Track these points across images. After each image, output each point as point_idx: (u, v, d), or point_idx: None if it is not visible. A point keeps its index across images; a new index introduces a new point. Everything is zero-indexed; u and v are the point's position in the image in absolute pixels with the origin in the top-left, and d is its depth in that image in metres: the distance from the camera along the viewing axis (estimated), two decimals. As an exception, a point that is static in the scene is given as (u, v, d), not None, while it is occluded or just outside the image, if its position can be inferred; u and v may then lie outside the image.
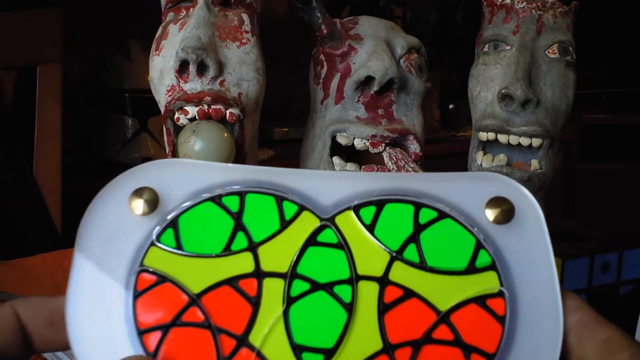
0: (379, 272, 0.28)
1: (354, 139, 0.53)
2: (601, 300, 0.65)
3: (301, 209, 0.29)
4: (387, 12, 1.70)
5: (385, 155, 0.53)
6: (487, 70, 0.56)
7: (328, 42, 0.55)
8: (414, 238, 0.29)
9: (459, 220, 0.29)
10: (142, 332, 0.27)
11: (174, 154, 0.48)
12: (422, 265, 0.28)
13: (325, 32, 0.55)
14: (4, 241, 1.06)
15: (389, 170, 0.52)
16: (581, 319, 0.28)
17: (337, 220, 0.29)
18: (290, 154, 1.44)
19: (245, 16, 0.51)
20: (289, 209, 0.29)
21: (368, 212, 0.29)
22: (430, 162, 0.59)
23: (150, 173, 0.30)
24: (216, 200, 0.29)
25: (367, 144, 0.53)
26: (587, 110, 1.98)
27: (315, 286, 0.28)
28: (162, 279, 0.28)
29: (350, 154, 0.55)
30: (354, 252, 0.28)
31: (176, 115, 0.48)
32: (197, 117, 0.48)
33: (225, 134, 0.47)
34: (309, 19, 0.55)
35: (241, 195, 0.29)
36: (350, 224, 0.29)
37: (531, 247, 0.29)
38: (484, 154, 0.56)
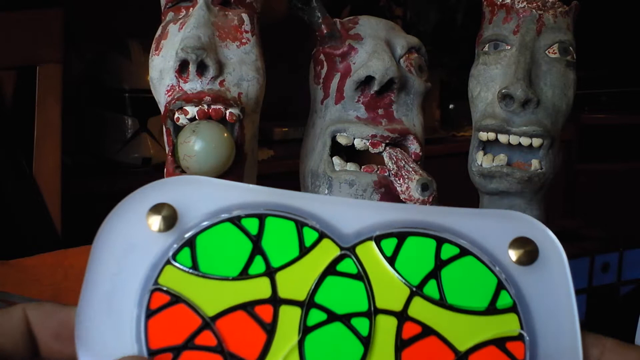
0: (398, 306, 0.28)
1: (354, 139, 0.53)
2: (601, 300, 0.65)
3: (321, 236, 0.28)
4: (387, 12, 1.70)
5: (385, 155, 0.53)
6: (487, 70, 0.56)
7: (328, 42, 0.55)
8: (434, 274, 0.28)
9: (481, 258, 0.28)
10: (152, 353, 0.26)
11: (174, 154, 0.48)
12: (442, 302, 0.28)
13: (325, 32, 0.55)
14: (3, 241, 1.06)
15: (389, 170, 0.52)
16: (607, 348, 0.28)
17: (358, 250, 0.28)
18: (290, 154, 1.45)
19: (245, 16, 0.51)
20: (309, 236, 0.28)
21: (389, 244, 0.28)
22: (430, 162, 0.59)
23: (170, 189, 0.29)
24: (235, 221, 0.28)
25: (367, 144, 0.53)
26: (587, 110, 1.98)
27: (332, 317, 0.27)
28: (176, 299, 0.27)
29: (350, 154, 0.55)
30: (373, 285, 0.28)
31: (176, 115, 0.48)
32: (197, 117, 0.48)
33: (225, 134, 0.47)
34: (309, 19, 0.55)
35: (261, 218, 0.28)
36: (371, 255, 0.28)
37: (553, 291, 0.28)
38: (484, 154, 0.56)
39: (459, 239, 0.29)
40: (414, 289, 0.28)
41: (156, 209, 0.28)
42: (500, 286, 0.28)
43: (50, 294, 0.66)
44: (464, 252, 0.28)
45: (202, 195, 0.29)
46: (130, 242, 0.28)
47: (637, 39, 2.02)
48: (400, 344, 0.27)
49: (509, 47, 0.55)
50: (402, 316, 0.27)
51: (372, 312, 0.27)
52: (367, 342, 0.27)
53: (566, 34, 0.55)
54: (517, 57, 0.54)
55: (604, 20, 1.90)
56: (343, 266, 0.28)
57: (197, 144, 0.46)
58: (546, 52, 0.55)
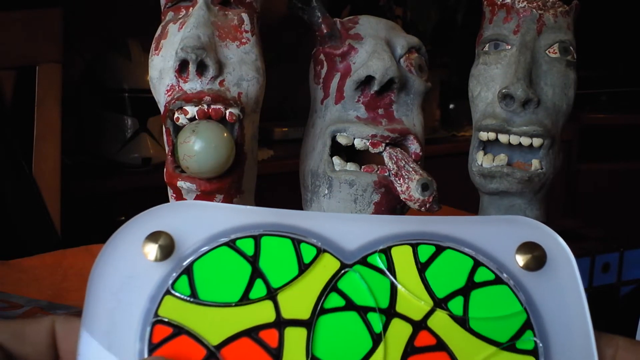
0: (418, 315, 0.27)
1: (354, 138, 0.53)
2: (602, 301, 0.65)
3: (320, 251, 0.28)
4: (388, 12, 1.70)
5: (385, 155, 0.53)
6: (488, 70, 0.56)
7: (328, 42, 0.55)
8: (464, 292, 0.28)
9: (515, 292, 0.28)
10: None
11: (174, 154, 0.48)
12: (463, 322, 0.27)
13: (325, 31, 0.55)
14: (3, 241, 1.06)
15: (389, 170, 0.52)
16: (620, 346, 0.27)
17: (391, 251, 0.28)
18: (290, 154, 1.44)
19: (245, 16, 0.51)
20: (307, 252, 0.28)
21: (425, 252, 0.28)
22: (430, 162, 0.59)
23: (165, 216, 0.28)
24: (231, 244, 0.28)
25: (367, 143, 0.53)
26: (587, 110, 1.98)
27: (350, 305, 0.27)
28: (179, 330, 0.26)
29: (350, 154, 0.55)
30: (399, 288, 0.27)
31: (176, 115, 0.48)
32: (196, 117, 0.47)
33: (225, 134, 0.47)
34: (309, 19, 0.55)
35: (256, 238, 0.28)
36: (404, 259, 0.28)
37: (564, 295, 0.28)
38: (485, 154, 0.56)
39: (463, 247, 0.28)
40: (439, 301, 0.27)
41: (152, 237, 0.28)
42: (526, 326, 0.27)
43: (50, 294, 0.66)
44: (498, 280, 0.28)
45: (199, 221, 0.28)
46: (127, 274, 0.27)
47: (637, 39, 2.02)
48: (410, 350, 0.27)
49: (509, 47, 0.55)
50: (420, 325, 0.27)
51: (390, 313, 0.27)
52: (378, 339, 0.26)
53: (566, 33, 0.55)
54: (517, 57, 0.54)
55: (604, 20, 1.90)
56: (362, 269, 0.28)
57: (197, 144, 0.46)
58: (546, 51, 0.55)
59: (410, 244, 0.28)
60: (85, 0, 1.50)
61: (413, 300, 0.27)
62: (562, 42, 0.55)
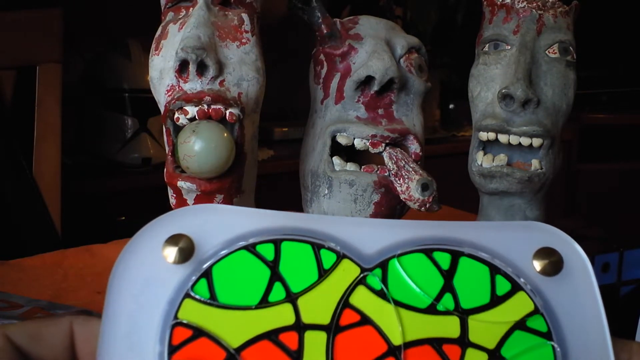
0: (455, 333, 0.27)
1: (354, 139, 0.53)
2: (602, 301, 0.65)
3: (340, 257, 0.28)
4: (388, 12, 1.70)
5: (385, 155, 0.53)
6: (488, 70, 0.56)
7: (328, 42, 0.55)
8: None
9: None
10: None
11: (174, 154, 0.48)
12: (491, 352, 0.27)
13: (325, 31, 0.55)
14: (3, 241, 1.06)
15: (389, 170, 0.52)
16: (634, 351, 0.28)
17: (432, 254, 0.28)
18: (290, 154, 1.44)
19: (245, 16, 0.51)
20: (327, 258, 0.28)
21: (468, 263, 0.29)
22: (430, 162, 0.59)
23: (186, 219, 0.28)
24: (250, 248, 0.28)
25: (367, 144, 0.53)
26: (587, 110, 1.98)
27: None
28: (199, 332, 0.26)
29: (350, 154, 0.55)
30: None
31: (176, 115, 0.48)
32: (197, 117, 0.47)
33: (225, 134, 0.47)
34: (309, 19, 0.55)
35: (276, 243, 0.28)
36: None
37: (581, 300, 0.28)
38: (484, 154, 0.56)
39: (480, 252, 0.29)
40: (462, 313, 0.28)
41: (172, 240, 0.28)
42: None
43: (50, 294, 0.66)
44: (537, 310, 0.28)
45: (219, 224, 0.28)
46: (147, 277, 0.27)
47: (637, 39, 2.02)
48: (437, 344, 0.27)
49: (509, 47, 0.55)
50: (463, 342, 0.27)
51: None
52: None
53: (566, 34, 0.55)
54: (517, 57, 0.54)
55: (604, 20, 1.90)
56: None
57: (197, 144, 0.46)
58: (546, 52, 0.55)
59: (448, 250, 0.29)
60: (85, 0, 1.50)
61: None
62: (562, 43, 0.55)
